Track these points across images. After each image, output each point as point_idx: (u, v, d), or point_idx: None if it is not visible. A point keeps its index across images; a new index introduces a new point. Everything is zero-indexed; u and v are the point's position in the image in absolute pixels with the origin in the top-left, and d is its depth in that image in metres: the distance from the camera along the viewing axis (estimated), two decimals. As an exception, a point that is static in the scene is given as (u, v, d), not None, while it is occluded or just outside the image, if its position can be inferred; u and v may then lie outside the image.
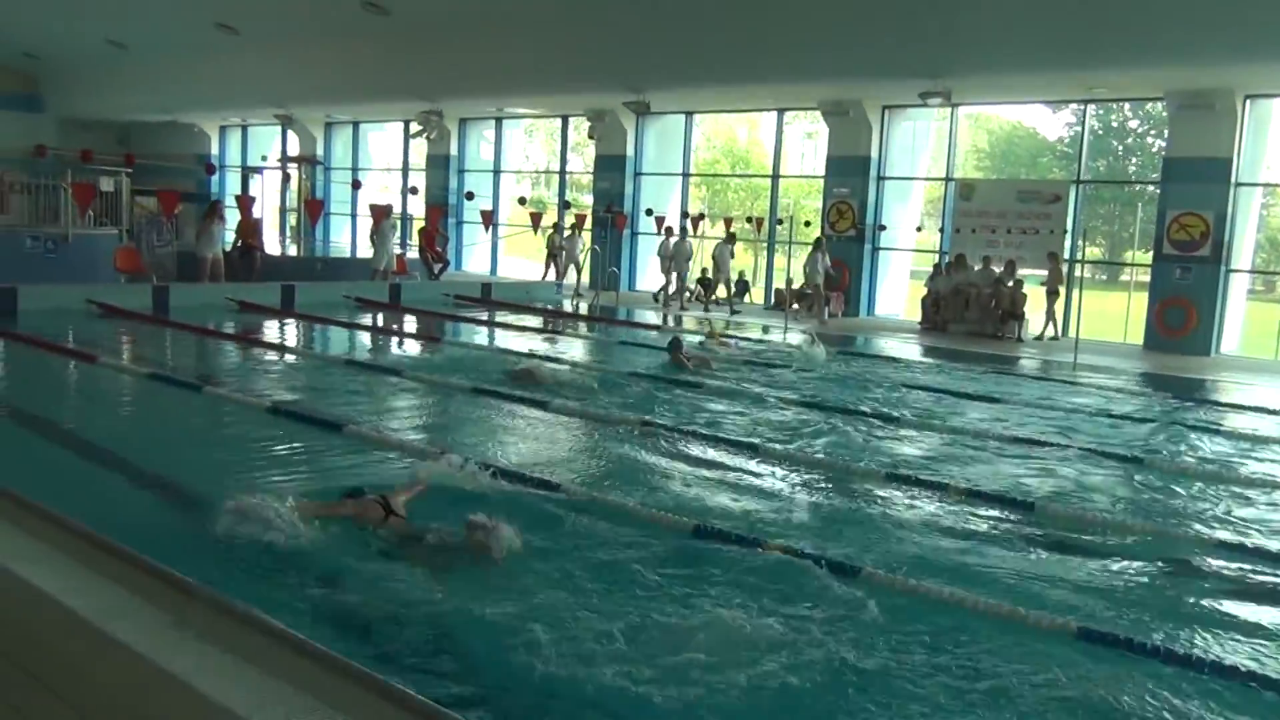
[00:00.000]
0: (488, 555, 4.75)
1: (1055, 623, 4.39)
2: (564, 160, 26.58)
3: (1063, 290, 17.30)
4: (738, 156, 37.23)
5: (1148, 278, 17.12)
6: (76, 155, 21.76)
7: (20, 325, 12.38)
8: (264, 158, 30.84)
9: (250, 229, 20.71)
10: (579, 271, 21.54)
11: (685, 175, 23.34)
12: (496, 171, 26.36)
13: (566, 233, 22.09)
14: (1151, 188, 20.26)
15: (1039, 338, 17.21)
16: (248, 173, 30.23)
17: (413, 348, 13.55)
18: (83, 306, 13.95)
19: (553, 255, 22.19)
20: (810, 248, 18.88)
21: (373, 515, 5.11)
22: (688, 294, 21.70)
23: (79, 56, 28.15)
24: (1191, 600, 5.03)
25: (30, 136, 27.87)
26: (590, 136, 23.06)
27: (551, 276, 22.02)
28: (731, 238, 20.59)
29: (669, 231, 20.59)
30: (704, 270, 21.73)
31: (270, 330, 14.13)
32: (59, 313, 13.32)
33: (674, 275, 20.43)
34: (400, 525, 5.11)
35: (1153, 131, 32.06)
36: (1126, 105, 29.04)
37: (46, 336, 11.32)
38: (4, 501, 4.94)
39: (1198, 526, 6.28)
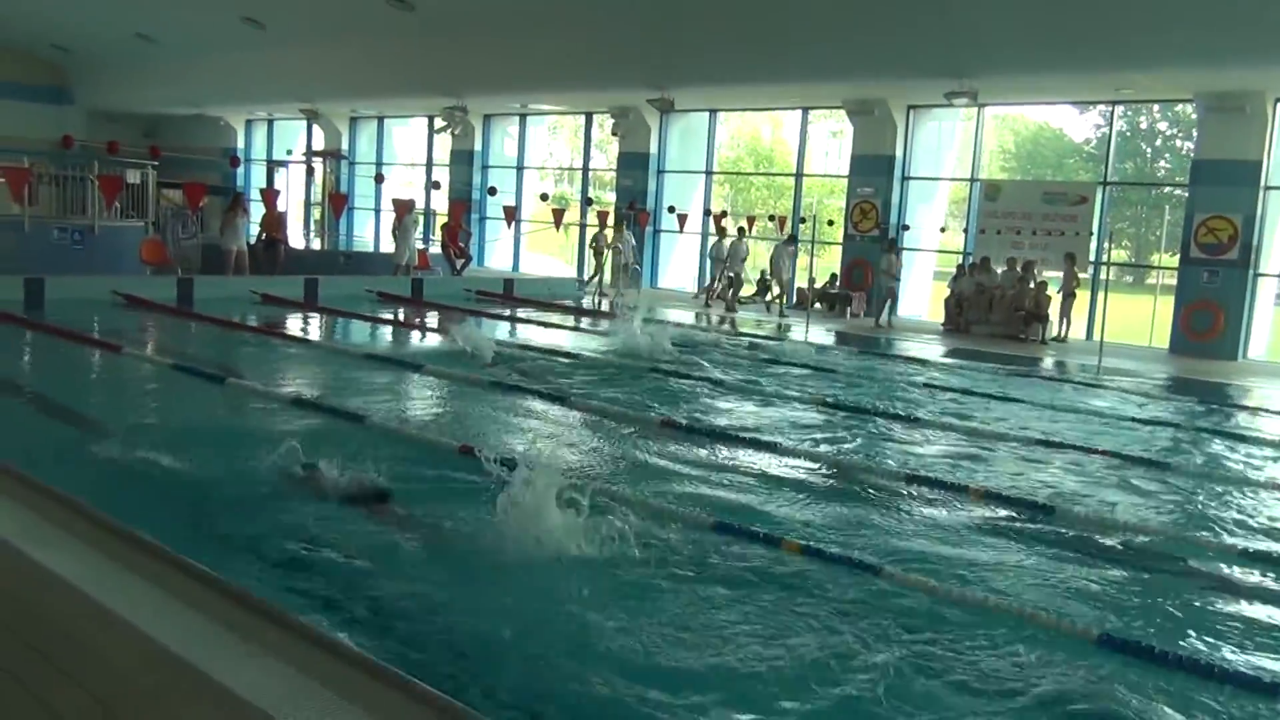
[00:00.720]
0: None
1: (1077, 628, 4.34)
2: (587, 157, 26.57)
3: (1078, 292, 17.15)
4: (761, 155, 37.15)
5: (1174, 281, 16.96)
6: (103, 147, 21.94)
7: (47, 315, 12.51)
8: (289, 151, 30.99)
9: (275, 222, 20.83)
10: (625, 271, 21.30)
11: (708, 173, 23.29)
12: (520, 168, 26.39)
13: (612, 232, 21.58)
14: (1179, 190, 20.06)
15: (1060, 339, 17.10)
16: (273, 166, 30.38)
17: (432, 341, 13.58)
18: (108, 297, 14.06)
19: (599, 253, 21.80)
20: (884, 250, 18.45)
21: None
22: (714, 292, 21.63)
23: (107, 49, 28.36)
24: (1215, 609, 4.97)
25: (58, 128, 28.17)
26: (614, 133, 23.05)
27: (596, 275, 21.74)
28: (792, 239, 19.85)
29: (723, 231, 20.40)
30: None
31: (293, 323, 14.21)
32: (85, 303, 13.45)
33: (727, 275, 20.10)
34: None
35: (1181, 134, 31.76)
36: (1155, 107, 28.77)
37: (73, 327, 11.43)
38: (29, 490, 4.98)
39: (1223, 533, 6.20)
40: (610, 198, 24.53)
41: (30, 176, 16.99)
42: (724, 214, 22.26)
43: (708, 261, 21.32)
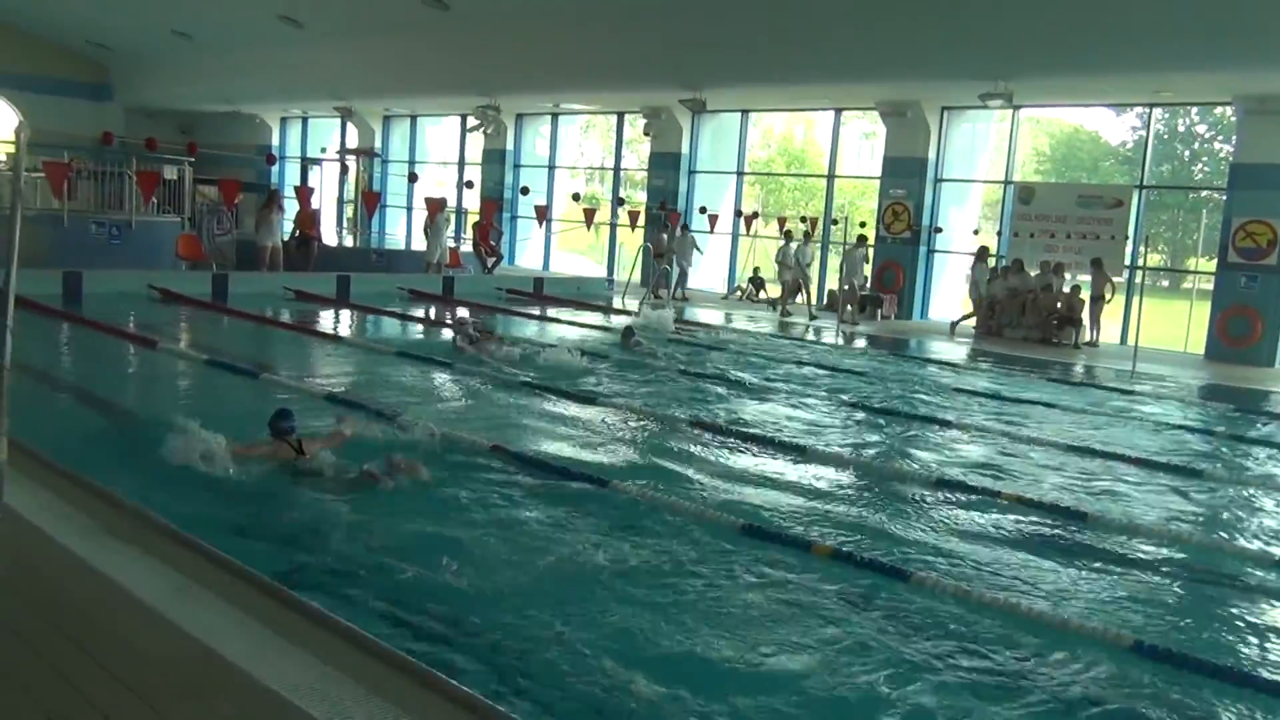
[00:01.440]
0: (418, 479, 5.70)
1: (1110, 634, 4.30)
2: (618, 157, 26.58)
3: (1108, 296, 16.96)
4: (793, 156, 37.00)
5: (1210, 286, 16.72)
6: (142, 144, 22.19)
7: (85, 309, 12.67)
8: (323, 149, 31.22)
9: (308, 219, 21.00)
10: (685, 277, 21.07)
11: (740, 174, 23.24)
12: (551, 167, 26.45)
13: (675, 233, 21.06)
14: (1217, 194, 19.81)
15: (1091, 344, 16.93)
16: (307, 164, 30.63)
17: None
18: (144, 292, 14.23)
19: (660, 258, 20.83)
20: (974, 258, 18.17)
21: (283, 454, 5.95)
22: (738, 293, 21.56)
23: (146, 47, 28.69)
24: (1249, 618, 4.90)
25: (98, 124, 28.51)
26: (645, 133, 23.04)
27: (661, 278, 21.28)
28: (862, 240, 19.12)
29: (789, 235, 20.24)
30: (755, 269, 21.60)
31: (325, 319, 14.32)
32: (122, 297, 13.62)
33: (799, 279, 19.71)
34: (311, 463, 5.91)
35: (1220, 136, 31.35)
36: (1193, 109, 28.41)
37: (109, 320, 11.57)
38: (66, 482, 5.05)
39: (1257, 541, 6.12)
40: (641, 197, 24.53)
41: (70, 172, 17.23)
42: (755, 215, 22.18)
43: (772, 266, 20.84)
